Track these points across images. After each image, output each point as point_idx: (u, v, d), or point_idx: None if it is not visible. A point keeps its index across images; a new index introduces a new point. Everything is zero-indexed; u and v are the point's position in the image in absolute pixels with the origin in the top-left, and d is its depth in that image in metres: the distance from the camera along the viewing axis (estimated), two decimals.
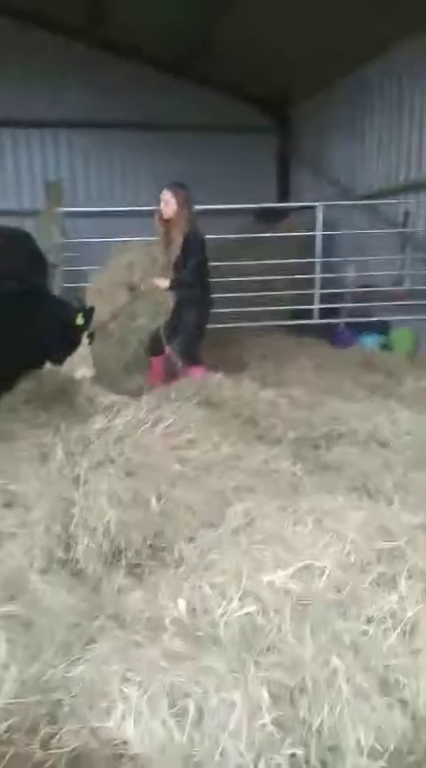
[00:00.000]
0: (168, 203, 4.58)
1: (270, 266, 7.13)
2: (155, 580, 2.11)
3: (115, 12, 7.93)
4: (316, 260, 7.21)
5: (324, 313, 7.28)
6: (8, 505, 2.54)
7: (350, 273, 7.61)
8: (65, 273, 6.65)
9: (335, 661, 1.60)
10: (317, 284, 7.24)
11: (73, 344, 3.64)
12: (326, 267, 7.45)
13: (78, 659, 1.79)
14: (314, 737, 1.48)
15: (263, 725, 1.48)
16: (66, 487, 2.56)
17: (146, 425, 3.06)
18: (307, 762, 1.46)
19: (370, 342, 6.68)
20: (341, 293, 7.48)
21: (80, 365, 3.68)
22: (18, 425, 3.40)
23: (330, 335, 6.94)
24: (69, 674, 1.75)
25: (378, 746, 1.48)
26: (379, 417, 3.58)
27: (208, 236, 5.93)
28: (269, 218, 8.76)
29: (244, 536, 2.15)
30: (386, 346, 6.66)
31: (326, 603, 1.80)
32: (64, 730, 1.63)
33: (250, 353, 6.09)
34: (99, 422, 3.10)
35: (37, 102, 9.01)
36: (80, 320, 3.59)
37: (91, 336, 3.73)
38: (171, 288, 4.58)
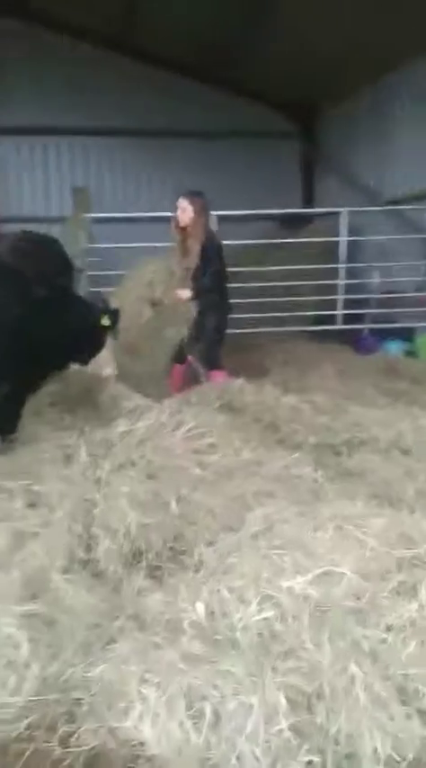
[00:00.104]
0: (185, 211, 4.63)
1: (293, 272, 7.12)
2: (174, 583, 2.12)
3: (146, 19, 8.04)
4: (340, 265, 7.18)
5: (348, 319, 7.24)
6: (32, 505, 2.58)
7: (375, 279, 7.55)
8: (90, 278, 6.74)
9: (353, 668, 1.60)
10: (341, 290, 7.21)
11: (99, 345, 3.72)
12: (350, 273, 7.41)
13: (98, 659, 1.81)
14: (330, 745, 1.48)
15: (280, 730, 1.48)
16: (89, 489, 2.60)
17: (168, 429, 3.09)
18: None
19: (394, 348, 6.62)
20: (366, 299, 7.43)
21: (105, 364, 3.76)
22: (43, 428, 3.46)
23: (353, 341, 6.90)
24: (89, 674, 1.77)
25: (396, 756, 1.46)
26: (402, 424, 3.55)
27: (231, 242, 5.96)
28: (293, 223, 8.76)
29: (263, 541, 2.15)
30: (410, 353, 6.60)
31: (345, 610, 1.79)
32: (82, 729, 1.65)
33: (272, 359, 6.09)
34: (122, 425, 3.15)
35: (66, 111, 9.17)
36: (106, 321, 3.66)
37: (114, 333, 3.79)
38: (193, 297, 4.61)
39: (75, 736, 1.64)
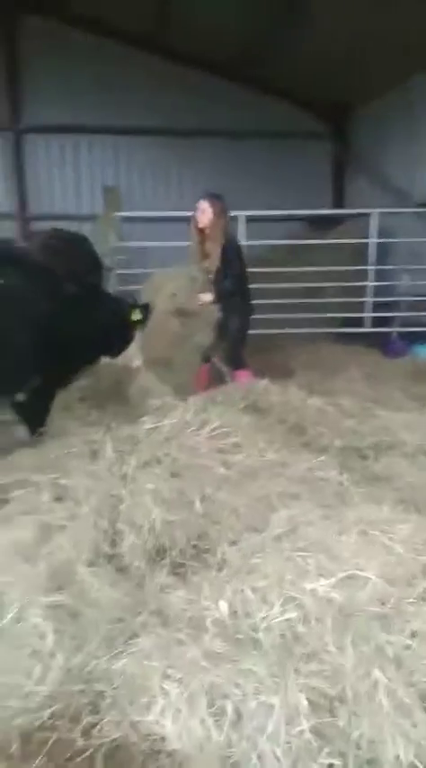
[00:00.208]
0: (204, 212, 4.66)
1: (321, 273, 7.08)
2: (197, 581, 2.13)
3: (176, 19, 8.07)
4: (369, 267, 7.10)
5: (376, 322, 7.16)
6: (59, 499, 2.63)
7: (405, 282, 7.46)
8: (119, 276, 6.81)
9: (377, 673, 1.59)
10: (369, 292, 7.13)
11: (129, 340, 3.79)
12: (380, 275, 7.33)
13: (121, 653, 1.84)
14: (352, 749, 1.47)
15: (301, 732, 1.48)
16: (115, 485, 2.63)
17: (193, 428, 3.11)
18: None
19: (424, 352, 6.53)
20: (395, 302, 7.34)
21: (134, 356, 3.83)
22: (71, 423, 3.51)
23: (382, 345, 6.82)
24: (112, 667, 1.80)
25: (418, 763, 1.45)
26: None
27: (260, 242, 5.93)
28: (323, 224, 8.70)
29: (287, 542, 2.15)
30: None
31: (369, 615, 1.78)
32: (105, 721, 1.67)
33: (297, 361, 6.06)
34: (148, 422, 3.17)
35: (96, 109, 9.26)
36: (137, 315, 3.72)
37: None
38: (215, 301, 4.64)
39: (98, 727, 1.67)
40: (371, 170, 9.46)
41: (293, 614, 1.79)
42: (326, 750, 1.47)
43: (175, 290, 4.64)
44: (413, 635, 1.72)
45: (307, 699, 1.55)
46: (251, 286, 4.91)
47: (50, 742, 1.64)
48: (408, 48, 7.20)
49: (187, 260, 4.95)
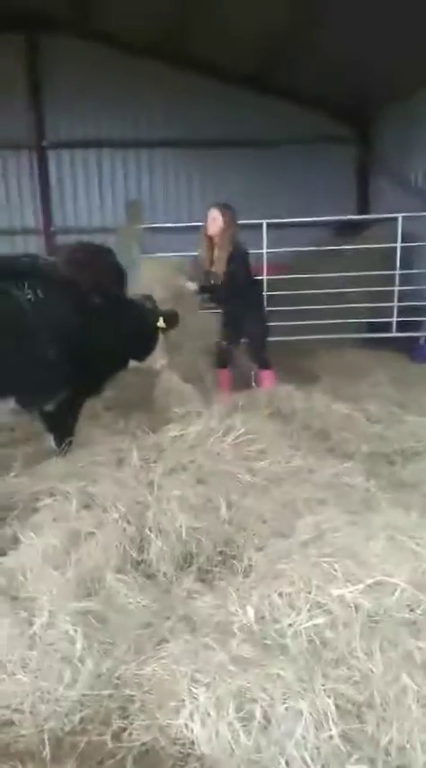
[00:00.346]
0: (215, 220, 4.81)
1: (347, 278, 7.04)
2: (224, 586, 2.14)
3: (198, 30, 8.15)
4: (396, 272, 7.04)
5: (404, 326, 7.09)
6: (87, 506, 2.66)
7: None
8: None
9: (405, 680, 1.57)
10: (396, 297, 7.06)
11: (153, 346, 3.86)
12: (407, 279, 7.26)
13: (149, 658, 1.85)
14: (381, 755, 1.46)
15: (330, 737, 1.48)
16: (141, 492, 2.66)
17: (218, 435, 3.12)
18: None
19: None
20: (422, 306, 7.25)
21: (157, 357, 3.91)
22: (98, 431, 3.56)
23: (409, 350, 6.74)
24: (141, 672, 1.82)
25: None
26: None
27: (285, 249, 5.93)
28: (349, 230, 8.66)
29: (313, 548, 2.15)
30: None
31: (398, 621, 1.76)
32: (134, 725, 1.69)
33: (321, 365, 6.03)
34: (173, 430, 3.20)
35: (119, 123, 9.43)
36: (162, 323, 3.79)
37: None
38: (203, 291, 4.90)
39: (127, 731, 1.68)
40: (395, 174, 9.39)
41: (320, 620, 1.79)
42: (355, 756, 1.46)
43: (163, 276, 4.82)
44: None
45: (336, 704, 1.54)
46: (272, 293, 5.01)
47: (81, 746, 1.67)
48: None
49: (196, 266, 5.12)
